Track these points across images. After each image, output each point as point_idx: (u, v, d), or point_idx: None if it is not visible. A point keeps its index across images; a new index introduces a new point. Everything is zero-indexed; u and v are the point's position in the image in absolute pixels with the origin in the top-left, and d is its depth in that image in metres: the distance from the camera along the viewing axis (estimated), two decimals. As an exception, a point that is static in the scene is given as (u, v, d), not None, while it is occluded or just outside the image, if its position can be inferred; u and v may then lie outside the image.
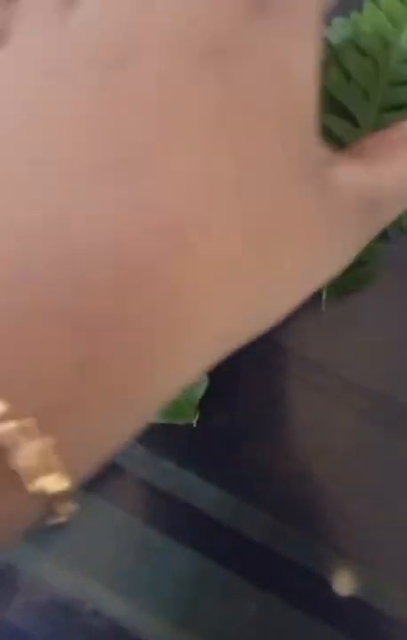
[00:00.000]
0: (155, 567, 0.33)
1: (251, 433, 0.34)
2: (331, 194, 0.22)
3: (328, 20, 0.36)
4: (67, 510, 0.19)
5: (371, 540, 0.33)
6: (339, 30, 0.36)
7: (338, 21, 0.36)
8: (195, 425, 0.34)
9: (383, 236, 0.35)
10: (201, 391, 0.34)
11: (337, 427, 0.34)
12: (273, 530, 0.33)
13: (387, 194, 0.24)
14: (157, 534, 0.33)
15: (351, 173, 0.23)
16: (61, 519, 0.19)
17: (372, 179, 0.23)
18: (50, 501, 0.18)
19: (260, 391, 0.35)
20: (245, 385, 0.35)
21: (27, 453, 0.17)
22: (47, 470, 0.17)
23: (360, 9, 0.36)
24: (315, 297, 0.35)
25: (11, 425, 0.16)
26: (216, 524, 0.33)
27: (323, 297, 0.35)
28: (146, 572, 0.33)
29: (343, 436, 0.34)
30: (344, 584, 0.32)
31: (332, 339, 0.35)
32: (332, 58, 0.35)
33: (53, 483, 0.17)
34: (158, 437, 0.34)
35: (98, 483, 0.34)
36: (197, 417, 0.34)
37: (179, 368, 0.20)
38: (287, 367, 0.35)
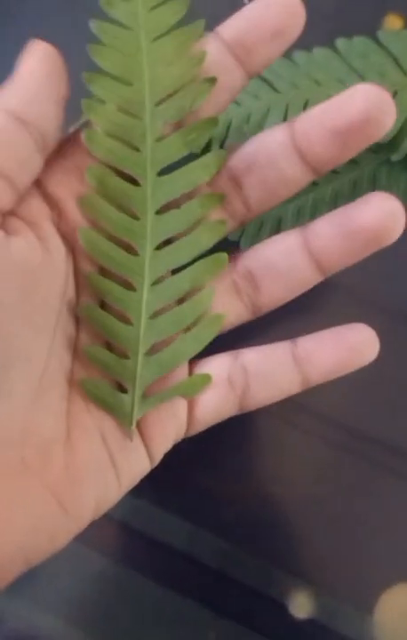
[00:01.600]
0: (110, 597, 0.32)
1: (203, 460, 0.33)
2: None
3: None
4: None
5: (327, 562, 0.33)
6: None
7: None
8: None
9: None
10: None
11: (288, 452, 0.33)
12: (228, 555, 0.33)
13: None
14: (112, 564, 0.33)
15: None
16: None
17: None
18: None
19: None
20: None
21: None
22: None
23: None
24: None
25: None
26: (171, 551, 0.33)
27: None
28: (101, 602, 0.32)
29: (294, 462, 0.33)
30: (301, 607, 0.32)
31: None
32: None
33: None
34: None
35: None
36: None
37: None
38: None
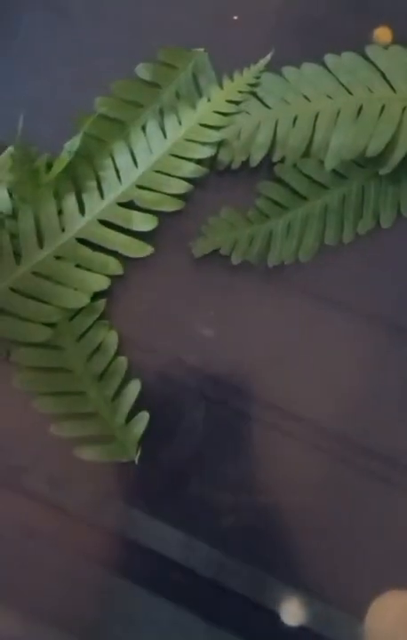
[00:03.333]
0: (104, 606, 0.33)
1: (194, 469, 0.34)
2: None
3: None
4: None
5: (318, 570, 0.33)
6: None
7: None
8: (137, 462, 0.33)
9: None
10: (141, 428, 0.33)
11: (281, 462, 0.34)
12: (220, 564, 0.33)
13: None
14: (107, 573, 0.33)
15: None
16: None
17: None
18: None
19: (203, 427, 0.34)
20: (187, 421, 0.34)
21: None
22: None
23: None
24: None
25: None
26: (165, 561, 0.33)
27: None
28: (95, 612, 0.33)
29: (287, 472, 0.34)
30: (293, 614, 0.33)
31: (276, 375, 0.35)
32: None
33: None
34: (103, 477, 0.34)
35: (39, 523, 0.33)
36: (139, 454, 0.33)
37: None
38: (228, 402, 0.34)
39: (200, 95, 0.36)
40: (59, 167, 0.34)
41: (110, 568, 0.33)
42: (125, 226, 0.34)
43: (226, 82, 0.36)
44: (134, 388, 0.34)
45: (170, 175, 0.35)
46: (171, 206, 0.35)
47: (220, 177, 0.36)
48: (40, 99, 0.37)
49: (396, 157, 0.35)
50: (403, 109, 0.35)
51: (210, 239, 0.35)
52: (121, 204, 0.35)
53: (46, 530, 0.32)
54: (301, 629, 0.33)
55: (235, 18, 0.38)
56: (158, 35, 0.37)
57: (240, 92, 0.36)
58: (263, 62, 0.36)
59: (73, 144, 0.34)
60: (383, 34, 0.39)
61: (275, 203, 0.35)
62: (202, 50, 0.37)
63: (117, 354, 0.34)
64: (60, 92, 0.37)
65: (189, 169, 0.35)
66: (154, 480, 0.34)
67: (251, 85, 0.36)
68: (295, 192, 0.35)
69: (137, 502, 0.33)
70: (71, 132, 0.35)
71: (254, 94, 0.36)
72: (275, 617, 0.33)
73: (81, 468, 0.33)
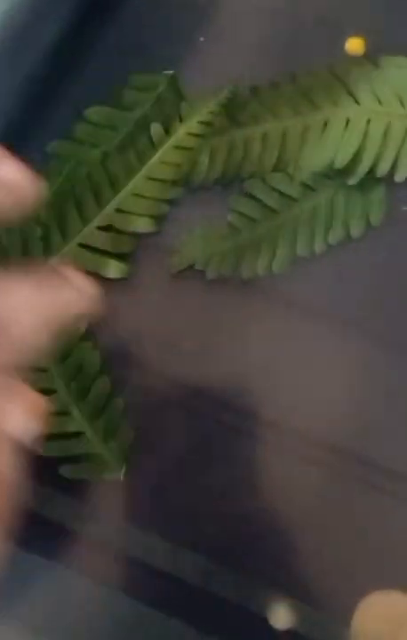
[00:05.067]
0: (92, 617, 0.34)
1: (179, 480, 0.34)
2: None
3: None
4: None
5: (304, 574, 0.34)
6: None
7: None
8: (122, 479, 0.34)
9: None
10: (126, 446, 0.34)
11: (264, 469, 0.34)
12: (206, 571, 0.34)
13: None
14: (93, 585, 0.34)
15: None
16: None
17: None
18: None
19: (186, 439, 0.35)
20: (171, 434, 0.35)
21: None
22: None
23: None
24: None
25: None
26: (153, 570, 0.34)
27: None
28: (84, 623, 0.34)
29: (271, 479, 0.34)
30: (281, 618, 0.33)
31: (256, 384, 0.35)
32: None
33: None
34: (88, 490, 0.34)
35: (29, 538, 0.34)
36: (124, 471, 0.34)
37: None
38: (210, 414, 0.35)
39: (172, 117, 0.38)
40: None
41: (97, 579, 0.34)
42: (105, 248, 0.36)
43: (197, 103, 0.37)
44: (118, 407, 0.35)
45: (147, 197, 0.36)
46: (149, 228, 0.36)
47: (194, 194, 0.37)
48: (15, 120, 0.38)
49: (363, 168, 0.36)
50: (368, 122, 0.36)
51: (185, 255, 0.36)
52: (100, 228, 0.36)
53: (33, 542, 0.33)
54: (289, 633, 0.33)
55: (202, 39, 0.39)
56: (128, 59, 0.38)
57: (211, 112, 0.37)
58: (232, 82, 0.37)
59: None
60: (355, 44, 0.40)
61: (247, 217, 0.36)
62: (171, 72, 0.38)
63: (100, 372, 0.35)
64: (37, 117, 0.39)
65: (166, 190, 0.36)
66: (139, 491, 0.35)
67: (222, 105, 0.37)
68: (266, 206, 0.36)
69: (122, 513, 0.34)
70: (49, 157, 0.36)
71: (225, 114, 0.37)
72: (263, 621, 0.33)
73: (66, 482, 0.34)
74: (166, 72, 0.38)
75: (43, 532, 0.34)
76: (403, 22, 0.39)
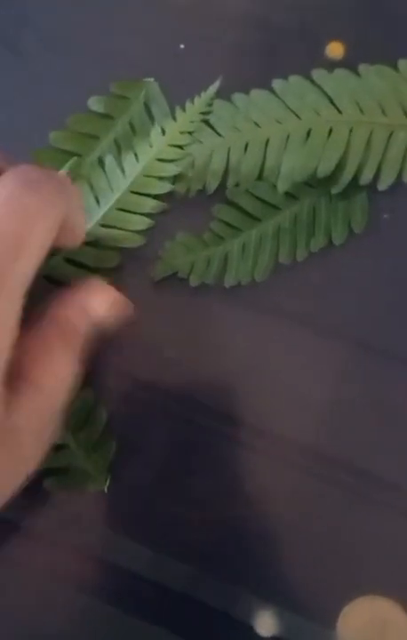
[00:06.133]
0: (75, 626, 0.34)
1: (162, 486, 0.35)
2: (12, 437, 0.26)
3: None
4: None
5: (289, 581, 0.34)
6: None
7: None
8: (106, 490, 0.34)
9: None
10: (109, 457, 0.34)
11: (248, 475, 0.35)
12: (191, 579, 0.34)
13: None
14: (77, 593, 0.34)
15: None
16: None
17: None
18: None
19: (169, 445, 0.35)
20: (154, 440, 0.35)
21: None
22: None
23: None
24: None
25: None
26: (138, 579, 0.34)
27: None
28: (67, 632, 0.34)
29: (253, 484, 0.35)
30: (266, 625, 0.34)
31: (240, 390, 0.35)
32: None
33: None
34: (71, 499, 0.34)
35: (9, 548, 0.34)
36: (108, 482, 0.34)
37: None
38: (193, 420, 0.35)
39: (153, 125, 0.37)
40: None
41: (81, 587, 0.34)
42: (89, 263, 0.36)
43: (178, 113, 0.37)
44: (101, 417, 0.35)
45: (131, 212, 0.36)
46: (133, 243, 0.36)
47: (177, 202, 0.37)
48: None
49: (346, 177, 0.36)
50: (350, 130, 0.36)
51: (168, 263, 0.36)
52: (86, 243, 0.36)
53: (16, 551, 0.33)
54: (275, 639, 0.33)
55: (182, 47, 0.39)
56: (109, 67, 0.38)
57: (192, 122, 0.37)
58: (212, 90, 0.37)
59: None
60: (335, 49, 0.40)
61: (229, 225, 0.36)
62: (152, 80, 0.38)
63: (84, 384, 0.35)
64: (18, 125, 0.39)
65: (150, 205, 0.36)
66: (122, 498, 0.35)
67: (203, 114, 0.37)
68: (248, 214, 0.36)
69: (106, 522, 0.34)
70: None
71: (206, 123, 0.37)
72: (248, 628, 0.34)
73: (49, 492, 0.34)
74: (147, 79, 0.38)
75: (22, 540, 0.34)
76: (382, 30, 0.39)
